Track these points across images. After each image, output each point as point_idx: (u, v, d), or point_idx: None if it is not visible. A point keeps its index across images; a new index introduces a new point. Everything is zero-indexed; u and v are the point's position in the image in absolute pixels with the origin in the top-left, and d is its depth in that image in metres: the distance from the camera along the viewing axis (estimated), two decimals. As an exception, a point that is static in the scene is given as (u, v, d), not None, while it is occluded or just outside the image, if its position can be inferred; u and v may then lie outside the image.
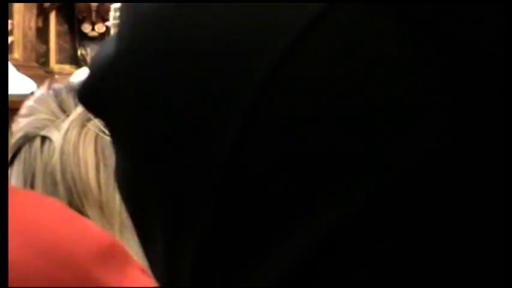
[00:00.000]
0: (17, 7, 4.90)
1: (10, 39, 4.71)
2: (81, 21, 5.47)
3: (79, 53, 5.46)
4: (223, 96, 0.25)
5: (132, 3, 0.30)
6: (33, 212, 0.79)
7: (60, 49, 5.43)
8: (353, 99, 0.24)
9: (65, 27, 5.51)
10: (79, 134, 1.04)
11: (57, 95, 1.09)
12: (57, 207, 0.85)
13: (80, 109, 1.03)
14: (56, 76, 4.86)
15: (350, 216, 0.24)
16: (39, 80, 3.50)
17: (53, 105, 1.06)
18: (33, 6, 5.02)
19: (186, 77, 0.26)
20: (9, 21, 4.70)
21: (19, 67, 4.27)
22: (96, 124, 1.02)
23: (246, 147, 0.24)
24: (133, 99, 0.28)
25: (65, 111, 1.05)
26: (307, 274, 0.25)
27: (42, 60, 5.26)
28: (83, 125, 1.04)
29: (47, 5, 5.17)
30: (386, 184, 0.23)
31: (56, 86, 1.13)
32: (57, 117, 1.05)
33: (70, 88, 1.09)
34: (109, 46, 0.29)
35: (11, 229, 0.73)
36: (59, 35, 5.42)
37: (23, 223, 0.78)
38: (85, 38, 5.47)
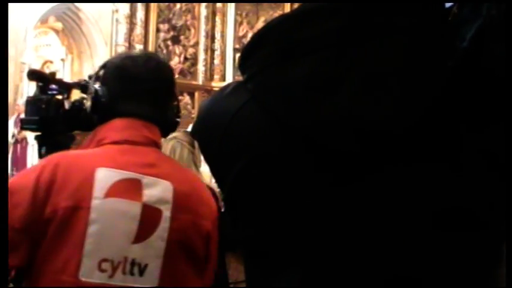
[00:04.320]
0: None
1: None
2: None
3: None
4: (213, 142, 0.89)
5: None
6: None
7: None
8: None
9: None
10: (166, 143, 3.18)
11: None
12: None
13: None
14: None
15: None
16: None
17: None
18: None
19: (209, 138, 0.92)
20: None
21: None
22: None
23: (239, 176, 0.85)
24: (200, 140, 0.97)
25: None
26: None
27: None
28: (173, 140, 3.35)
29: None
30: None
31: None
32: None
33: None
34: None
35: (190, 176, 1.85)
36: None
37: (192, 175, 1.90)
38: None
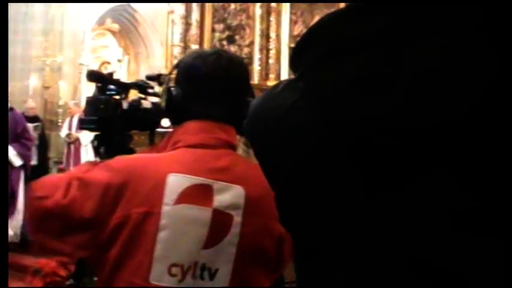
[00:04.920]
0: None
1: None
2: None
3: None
4: (269, 134, 0.88)
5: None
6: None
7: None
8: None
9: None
10: None
11: None
12: None
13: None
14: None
15: None
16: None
17: None
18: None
19: (260, 137, 0.91)
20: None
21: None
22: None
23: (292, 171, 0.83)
24: (250, 138, 0.94)
25: None
26: None
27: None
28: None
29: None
30: None
31: None
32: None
33: None
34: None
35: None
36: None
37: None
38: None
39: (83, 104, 12.86)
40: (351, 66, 0.76)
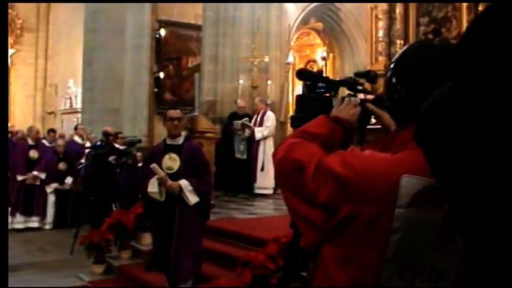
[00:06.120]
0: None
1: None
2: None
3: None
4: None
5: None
6: None
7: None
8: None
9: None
10: None
11: None
12: None
13: None
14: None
15: None
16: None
17: None
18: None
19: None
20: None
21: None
22: None
23: None
24: (422, 144, 0.99)
25: None
26: None
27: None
28: None
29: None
30: None
31: None
32: None
33: None
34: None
35: None
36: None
37: None
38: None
39: (291, 101, 12.90)
40: None
